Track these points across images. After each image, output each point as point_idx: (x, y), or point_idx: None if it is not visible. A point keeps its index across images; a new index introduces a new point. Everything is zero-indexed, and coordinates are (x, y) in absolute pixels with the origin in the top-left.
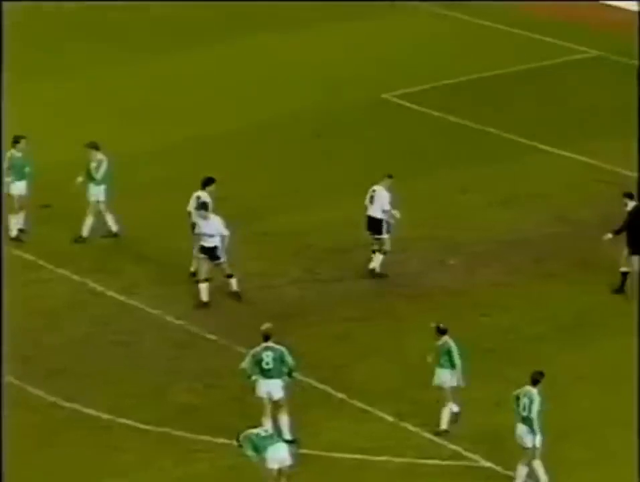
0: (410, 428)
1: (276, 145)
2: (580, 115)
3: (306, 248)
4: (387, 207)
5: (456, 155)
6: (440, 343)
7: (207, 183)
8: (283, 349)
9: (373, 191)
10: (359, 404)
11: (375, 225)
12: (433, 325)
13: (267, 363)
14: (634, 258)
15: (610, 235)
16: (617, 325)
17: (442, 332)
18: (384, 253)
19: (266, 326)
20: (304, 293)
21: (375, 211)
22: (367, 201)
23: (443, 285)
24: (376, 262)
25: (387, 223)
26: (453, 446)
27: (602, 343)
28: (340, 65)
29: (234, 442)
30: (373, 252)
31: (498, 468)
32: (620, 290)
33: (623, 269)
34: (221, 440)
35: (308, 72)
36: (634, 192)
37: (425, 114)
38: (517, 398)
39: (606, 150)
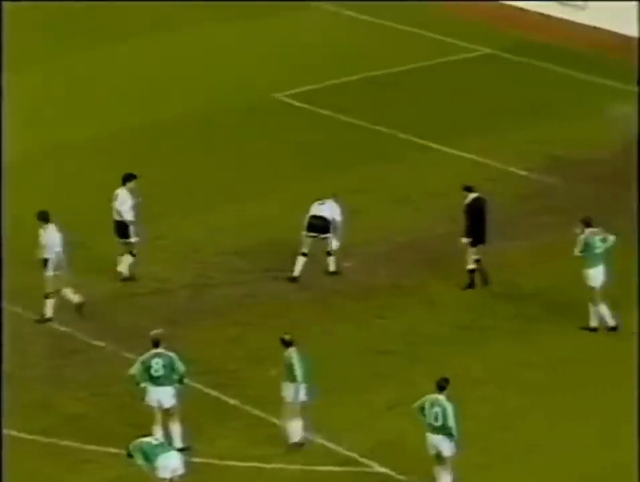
0: (305, 434)
1: (170, 147)
2: (470, 112)
3: (199, 251)
4: (339, 218)
5: (348, 155)
6: (285, 354)
7: (127, 179)
8: (173, 355)
9: (322, 202)
10: (253, 411)
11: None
12: (286, 336)
13: (156, 370)
14: (474, 250)
15: (465, 240)
16: (509, 326)
17: (287, 344)
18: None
19: (155, 332)
20: (198, 297)
21: (323, 211)
22: (314, 210)
23: (339, 288)
24: (332, 264)
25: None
26: (348, 452)
27: (496, 345)
28: (228, 65)
29: (124, 452)
30: (328, 253)
31: (393, 474)
32: (471, 285)
33: (470, 267)
34: (110, 450)
35: (198, 72)
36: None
37: (316, 114)
38: (422, 408)
39: (497, 147)
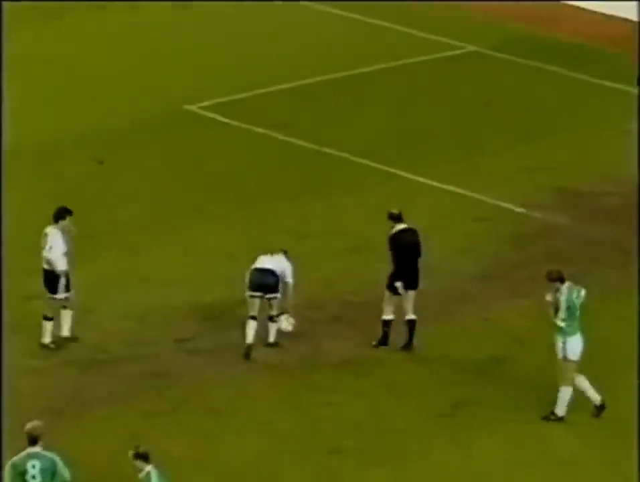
0: None
1: (56, 169)
2: (448, 127)
3: (91, 313)
4: (291, 279)
5: (286, 184)
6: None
7: (60, 215)
8: (55, 456)
9: (271, 255)
10: None
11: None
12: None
13: (33, 476)
14: (410, 293)
15: (400, 284)
16: (496, 415)
17: (143, 458)
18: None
19: (31, 424)
20: (88, 377)
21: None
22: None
23: (277, 363)
24: (273, 333)
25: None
26: None
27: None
28: (135, 75)
29: None
30: (270, 319)
31: None
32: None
33: (387, 317)
34: None
35: (99, 82)
36: None
37: (240, 129)
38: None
39: (483, 176)
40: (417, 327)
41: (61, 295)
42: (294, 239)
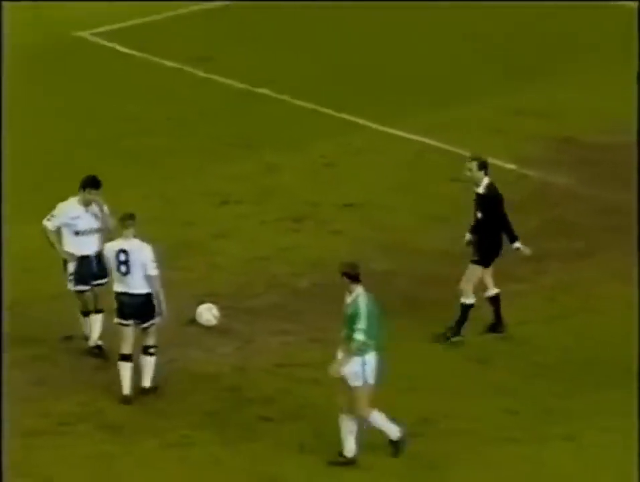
0: None
1: None
2: (423, 66)
3: None
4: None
5: (207, 134)
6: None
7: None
8: None
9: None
10: None
11: None
12: None
13: None
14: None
15: (521, 246)
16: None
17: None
18: None
19: None
20: None
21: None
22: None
23: (188, 368)
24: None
25: None
26: None
27: None
28: None
29: None
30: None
31: None
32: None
33: (471, 301)
34: None
35: None
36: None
37: (146, 62)
38: None
39: (467, 124)
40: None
41: None
42: (217, 205)
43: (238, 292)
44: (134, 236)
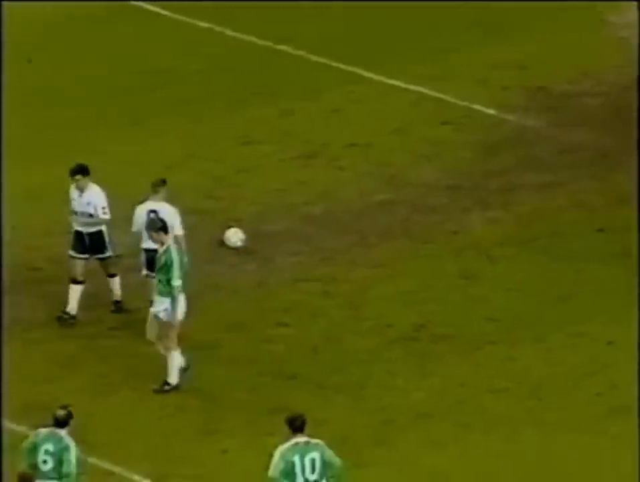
0: None
1: None
2: (412, 22)
3: None
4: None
5: (232, 85)
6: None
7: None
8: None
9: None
10: None
11: None
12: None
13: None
14: None
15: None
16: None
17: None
18: None
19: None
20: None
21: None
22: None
23: (218, 282)
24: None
25: None
26: None
27: None
28: None
29: None
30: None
31: None
32: None
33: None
34: None
35: None
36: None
37: (178, 22)
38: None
39: (451, 75)
40: (376, 241)
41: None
42: (241, 145)
43: (259, 219)
44: (164, 200)
